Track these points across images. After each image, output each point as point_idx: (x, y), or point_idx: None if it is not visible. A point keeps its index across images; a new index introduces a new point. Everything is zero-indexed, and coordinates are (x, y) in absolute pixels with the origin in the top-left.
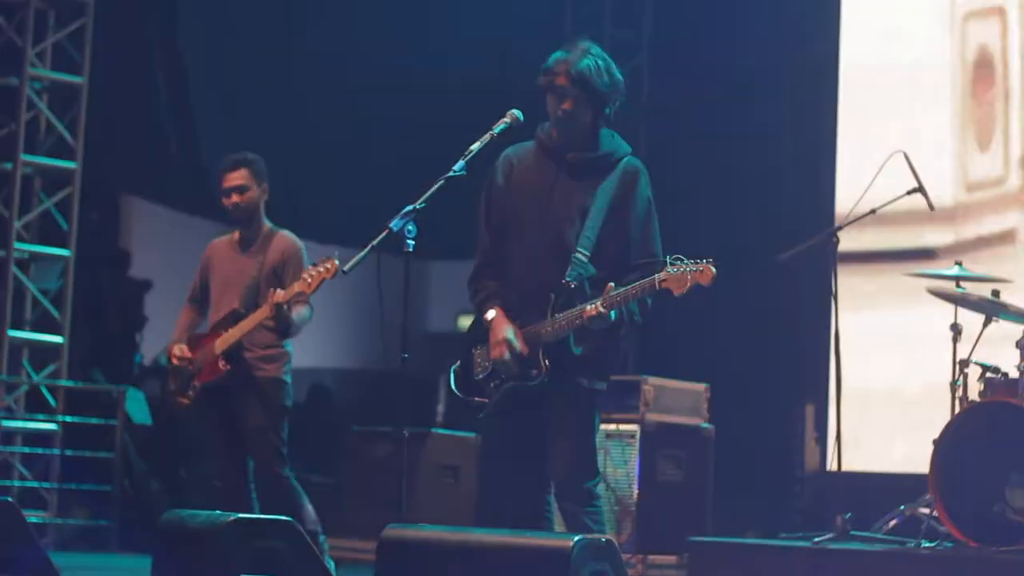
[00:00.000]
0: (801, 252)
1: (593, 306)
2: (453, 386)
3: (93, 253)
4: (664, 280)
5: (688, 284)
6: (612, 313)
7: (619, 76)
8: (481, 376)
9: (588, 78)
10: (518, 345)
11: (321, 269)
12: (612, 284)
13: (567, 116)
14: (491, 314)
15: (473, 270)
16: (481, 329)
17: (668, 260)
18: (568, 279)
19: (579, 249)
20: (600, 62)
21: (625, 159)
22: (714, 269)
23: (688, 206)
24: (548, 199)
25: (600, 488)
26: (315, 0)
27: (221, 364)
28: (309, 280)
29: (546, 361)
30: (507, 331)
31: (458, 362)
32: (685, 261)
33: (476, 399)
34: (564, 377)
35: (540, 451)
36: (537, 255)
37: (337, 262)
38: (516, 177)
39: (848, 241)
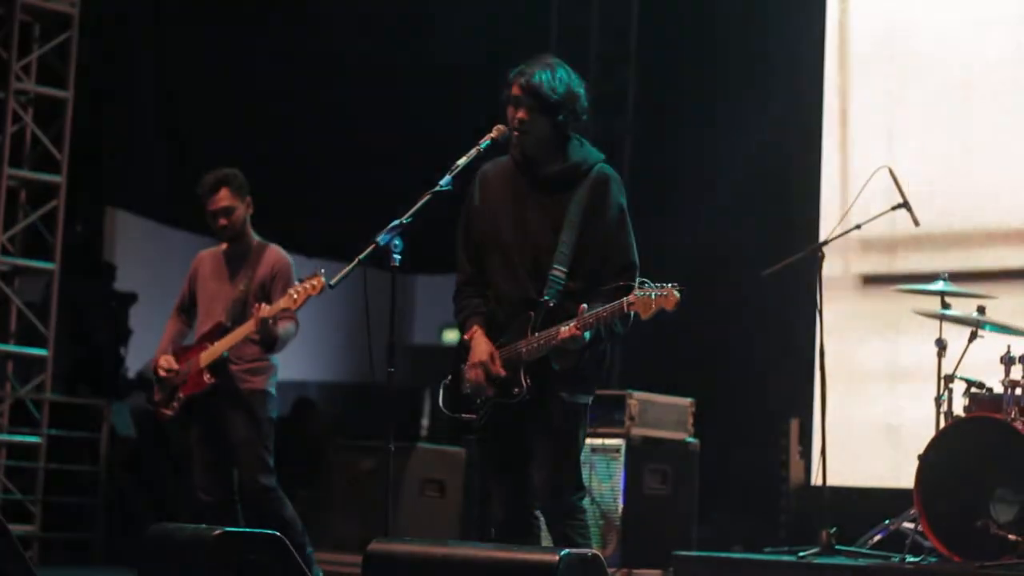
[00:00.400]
0: (786, 267)
1: (567, 328)
2: (441, 403)
3: (78, 266)
4: (632, 303)
5: (653, 309)
6: (586, 334)
7: (576, 89)
8: (468, 391)
9: (538, 87)
10: (493, 368)
11: (307, 285)
12: (584, 306)
13: (521, 125)
14: (471, 333)
15: (456, 288)
16: (467, 346)
17: (636, 284)
18: (546, 297)
19: (555, 266)
20: (556, 72)
21: (596, 167)
22: (678, 294)
23: (674, 219)
24: (522, 214)
25: (585, 502)
26: (301, 14)
27: (206, 377)
28: (295, 296)
29: (527, 379)
30: (483, 353)
31: (448, 378)
32: (650, 285)
33: (464, 415)
34: (547, 391)
35: (526, 465)
36: (517, 271)
37: (324, 278)
38: (491, 194)
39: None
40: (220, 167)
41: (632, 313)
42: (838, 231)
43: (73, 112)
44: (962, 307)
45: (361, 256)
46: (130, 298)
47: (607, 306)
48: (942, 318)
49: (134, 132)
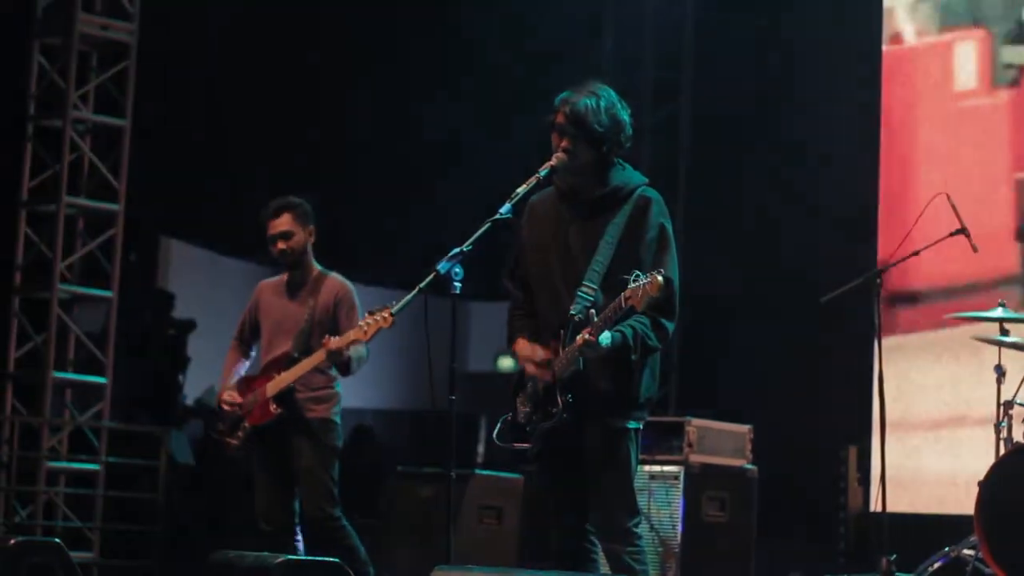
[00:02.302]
0: (845, 293)
1: (581, 336)
2: (495, 435)
3: (137, 294)
4: (628, 297)
5: (642, 298)
6: (602, 340)
7: (621, 117)
8: (522, 420)
9: (583, 116)
10: (538, 354)
11: (378, 318)
12: (592, 311)
13: (564, 153)
14: (515, 345)
15: (508, 315)
16: (521, 376)
17: (631, 277)
18: (572, 313)
19: (585, 283)
20: (601, 102)
21: (638, 190)
22: (660, 278)
23: (730, 246)
24: (564, 241)
25: (643, 528)
26: (358, 43)
27: (272, 407)
28: (365, 328)
29: (563, 397)
30: (524, 348)
31: (508, 414)
32: (640, 276)
33: (517, 444)
34: (592, 417)
35: (580, 491)
36: (559, 296)
37: (393, 311)
38: (537, 224)
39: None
40: (277, 196)
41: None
42: (897, 257)
43: (130, 140)
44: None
45: (422, 284)
46: (188, 325)
47: (610, 305)
48: (1000, 344)
49: (189, 161)
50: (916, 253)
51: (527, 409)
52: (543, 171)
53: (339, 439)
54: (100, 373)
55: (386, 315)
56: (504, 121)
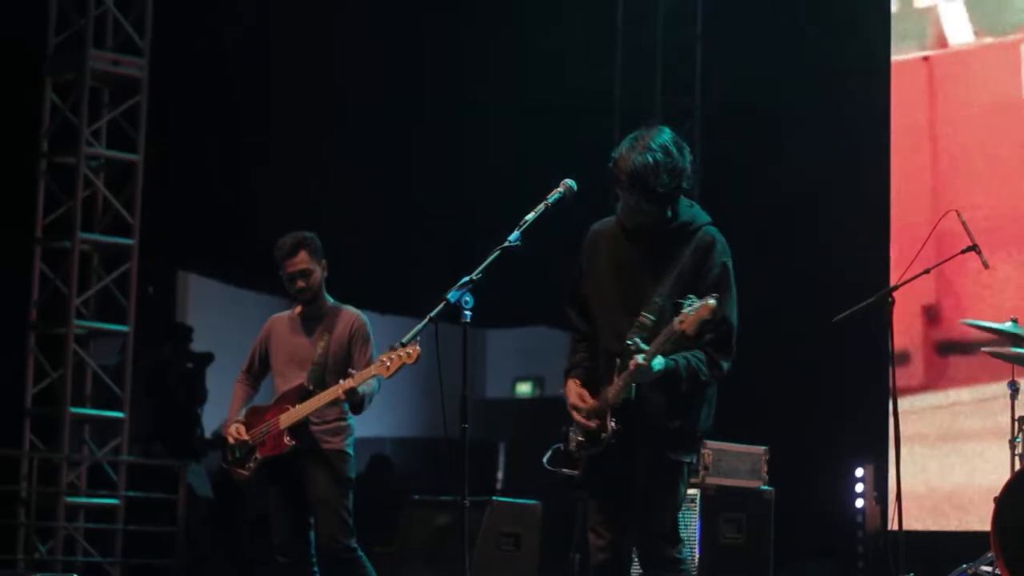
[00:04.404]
0: (857, 313)
1: (634, 360)
2: (545, 460)
3: (155, 328)
4: (681, 322)
5: (693, 321)
6: (654, 364)
7: (681, 164)
8: (572, 448)
9: (643, 178)
10: (583, 403)
11: (402, 353)
12: (636, 340)
13: (633, 214)
14: (566, 386)
15: (571, 347)
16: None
17: (684, 302)
18: (629, 343)
19: (643, 314)
20: (658, 156)
21: (702, 229)
22: (712, 303)
23: (742, 267)
24: (629, 277)
25: (686, 551)
26: (365, 74)
27: (286, 439)
28: (388, 364)
29: (613, 423)
30: (571, 395)
31: (560, 444)
32: (694, 299)
33: (566, 470)
34: (653, 449)
35: (622, 517)
36: (619, 326)
37: (419, 348)
38: (599, 258)
39: None
40: (290, 229)
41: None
42: (908, 275)
43: (144, 175)
44: None
45: (432, 313)
46: (207, 358)
47: (664, 331)
48: (1014, 359)
49: (204, 194)
50: (927, 271)
51: (580, 438)
52: (552, 198)
53: (353, 470)
54: (118, 408)
55: (411, 351)
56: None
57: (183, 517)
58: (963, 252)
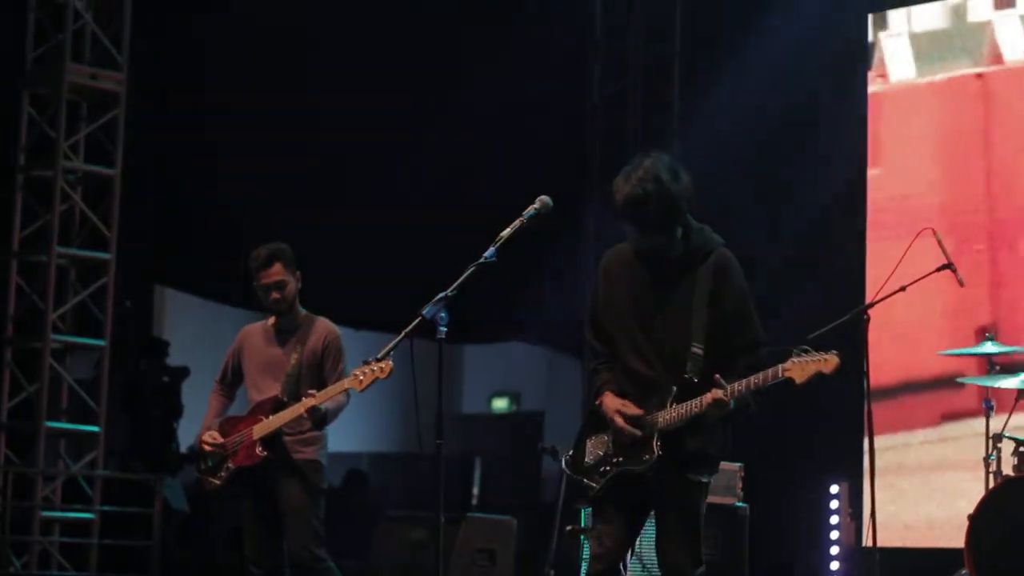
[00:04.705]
0: (832, 331)
1: (711, 393)
2: (565, 464)
3: (131, 342)
4: (787, 369)
5: (810, 373)
6: (732, 402)
7: (678, 191)
8: (591, 463)
9: (634, 210)
10: (628, 409)
11: (375, 368)
12: (718, 376)
13: (635, 238)
14: (601, 398)
15: (590, 369)
16: (595, 420)
17: (794, 350)
18: (688, 374)
19: (695, 343)
20: (648, 187)
21: (716, 251)
22: (838, 359)
23: None
24: (650, 299)
25: (637, 568)
26: (341, 84)
27: (258, 450)
28: (362, 378)
29: (658, 445)
30: (615, 403)
31: (570, 451)
32: (810, 352)
33: (586, 480)
34: (675, 470)
35: (631, 536)
36: (647, 354)
37: (392, 364)
38: (617, 284)
39: None
40: (266, 242)
41: (783, 379)
42: (882, 293)
43: (121, 189)
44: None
45: (407, 329)
46: (183, 372)
47: (760, 373)
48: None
49: (179, 209)
50: (903, 288)
51: (601, 452)
52: (528, 214)
53: (325, 481)
54: (93, 422)
55: (383, 366)
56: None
57: (159, 531)
58: (938, 270)
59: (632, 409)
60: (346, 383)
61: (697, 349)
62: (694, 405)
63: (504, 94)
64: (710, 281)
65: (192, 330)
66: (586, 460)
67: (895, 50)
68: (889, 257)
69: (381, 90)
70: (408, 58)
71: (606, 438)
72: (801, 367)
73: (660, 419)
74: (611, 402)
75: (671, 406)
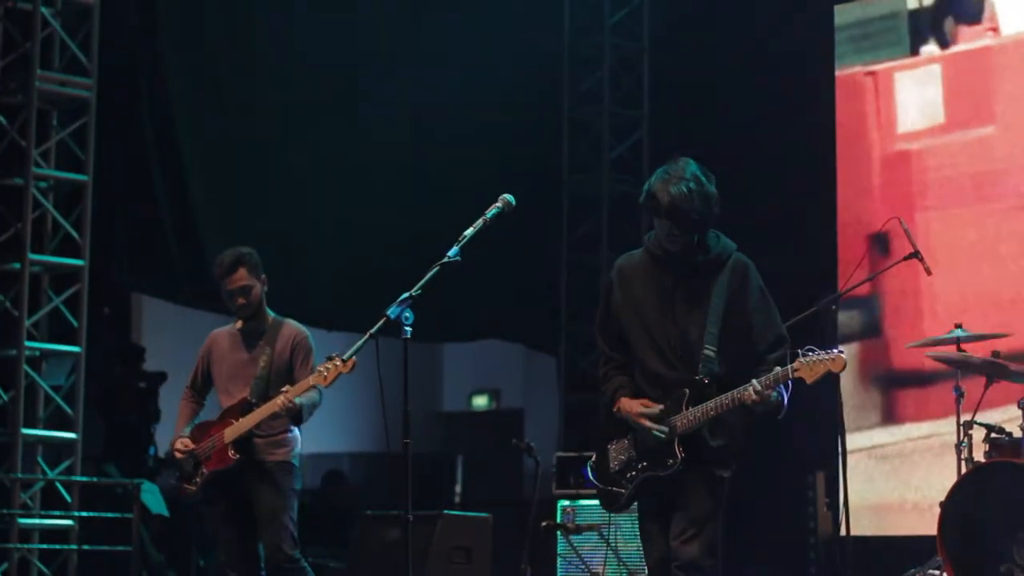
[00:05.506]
0: (802, 321)
1: (752, 389)
2: (592, 477)
3: (107, 348)
4: (797, 370)
5: (820, 373)
6: (773, 394)
7: (711, 192)
8: (617, 468)
9: (680, 207)
10: (652, 410)
11: (339, 363)
12: (754, 382)
13: (673, 240)
14: (618, 404)
15: (601, 373)
16: (613, 424)
17: (800, 351)
18: (701, 375)
19: (707, 346)
20: (692, 185)
21: (733, 256)
22: (845, 357)
23: None
24: (670, 302)
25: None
26: (313, 90)
27: (231, 453)
28: (326, 373)
29: (681, 450)
30: (636, 405)
31: (594, 456)
32: (817, 351)
33: (614, 488)
34: (699, 467)
35: (666, 532)
36: (667, 356)
37: (355, 359)
38: (634, 286)
39: None
40: (234, 247)
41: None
42: (852, 282)
43: (93, 196)
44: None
45: (372, 329)
46: (159, 377)
47: (772, 374)
48: (958, 365)
49: (151, 215)
50: (870, 278)
51: (624, 458)
52: (490, 213)
53: (298, 482)
54: (70, 428)
55: (347, 360)
56: None
57: (137, 536)
58: (905, 259)
59: (654, 407)
60: (312, 379)
61: (710, 351)
62: (710, 407)
63: (477, 94)
64: (729, 284)
65: (170, 335)
66: (612, 466)
67: (1008, 1)
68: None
69: (355, 86)
70: (383, 55)
71: (627, 442)
72: (810, 367)
73: (679, 423)
74: (630, 405)
75: (687, 408)
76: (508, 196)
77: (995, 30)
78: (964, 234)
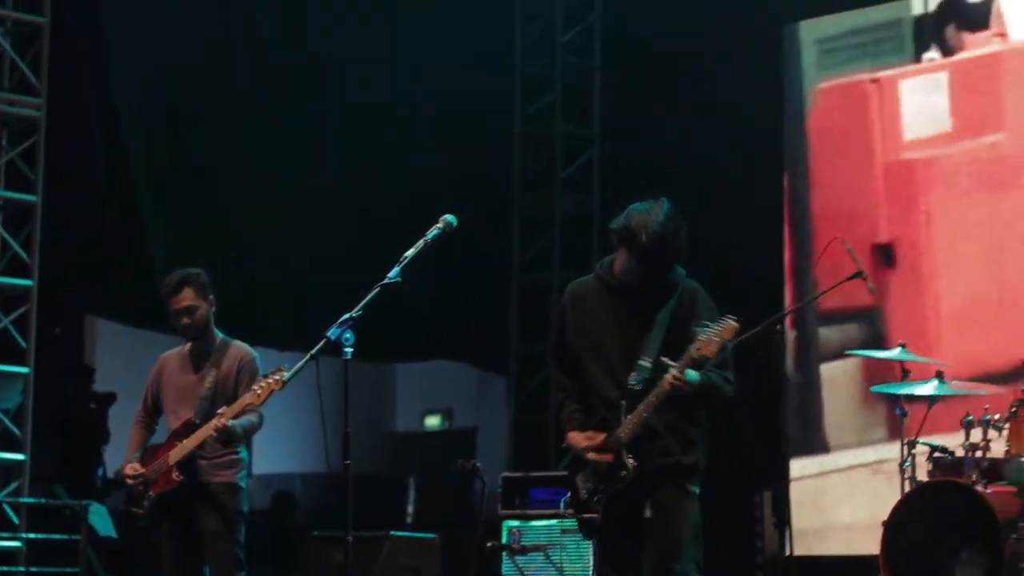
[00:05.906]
0: (747, 339)
1: (668, 377)
2: (567, 508)
3: (57, 368)
4: (699, 348)
5: (717, 344)
6: (688, 375)
7: (684, 234)
8: (585, 495)
9: (655, 251)
10: (593, 441)
11: (271, 380)
12: (664, 358)
13: (632, 274)
14: (567, 440)
15: (559, 403)
16: (575, 457)
17: (694, 330)
18: (632, 383)
19: (643, 357)
20: (672, 225)
21: (683, 282)
22: (735, 323)
23: None
24: (623, 328)
25: None
26: (264, 108)
27: (175, 474)
28: (259, 392)
29: (630, 459)
30: (580, 439)
31: (568, 494)
32: (709, 325)
33: (587, 516)
34: (665, 483)
35: (639, 556)
36: (620, 378)
37: (286, 373)
38: (587, 312)
39: None
40: (182, 267)
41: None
42: (797, 302)
43: (42, 216)
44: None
45: (313, 351)
46: (109, 398)
47: (683, 358)
48: (898, 396)
49: (100, 236)
50: (815, 297)
51: (590, 485)
52: (431, 234)
53: (245, 504)
54: (18, 449)
55: (279, 377)
56: None
57: (85, 557)
58: (849, 279)
59: (597, 437)
60: (247, 398)
61: (645, 362)
62: (642, 408)
63: (427, 112)
64: (675, 304)
65: (124, 355)
66: (581, 495)
67: (1016, 6)
68: None
69: (305, 106)
70: (335, 72)
71: (587, 471)
72: (708, 343)
73: (622, 434)
74: (577, 439)
75: (626, 418)
76: (450, 217)
77: (1003, 35)
78: (970, 243)
